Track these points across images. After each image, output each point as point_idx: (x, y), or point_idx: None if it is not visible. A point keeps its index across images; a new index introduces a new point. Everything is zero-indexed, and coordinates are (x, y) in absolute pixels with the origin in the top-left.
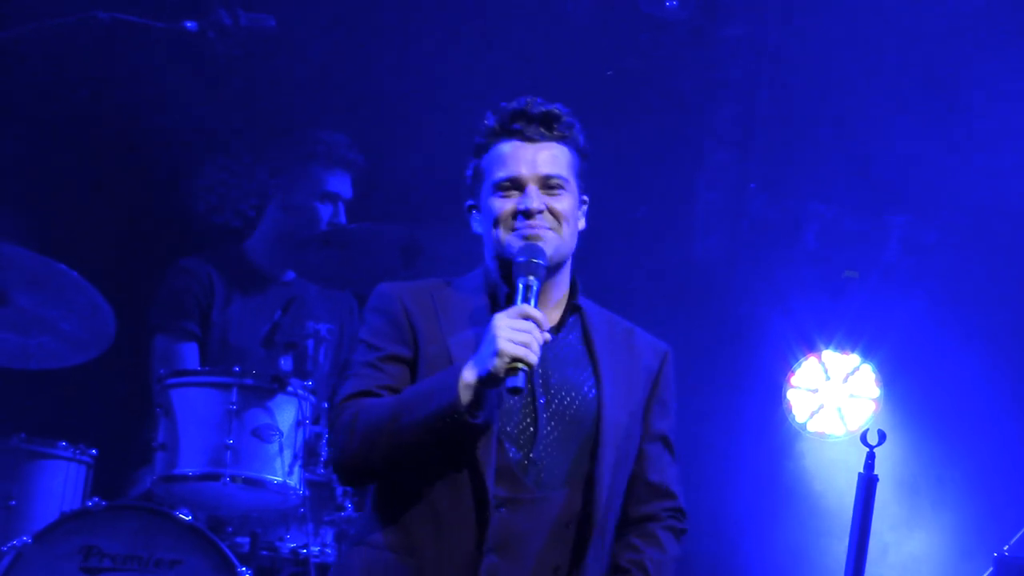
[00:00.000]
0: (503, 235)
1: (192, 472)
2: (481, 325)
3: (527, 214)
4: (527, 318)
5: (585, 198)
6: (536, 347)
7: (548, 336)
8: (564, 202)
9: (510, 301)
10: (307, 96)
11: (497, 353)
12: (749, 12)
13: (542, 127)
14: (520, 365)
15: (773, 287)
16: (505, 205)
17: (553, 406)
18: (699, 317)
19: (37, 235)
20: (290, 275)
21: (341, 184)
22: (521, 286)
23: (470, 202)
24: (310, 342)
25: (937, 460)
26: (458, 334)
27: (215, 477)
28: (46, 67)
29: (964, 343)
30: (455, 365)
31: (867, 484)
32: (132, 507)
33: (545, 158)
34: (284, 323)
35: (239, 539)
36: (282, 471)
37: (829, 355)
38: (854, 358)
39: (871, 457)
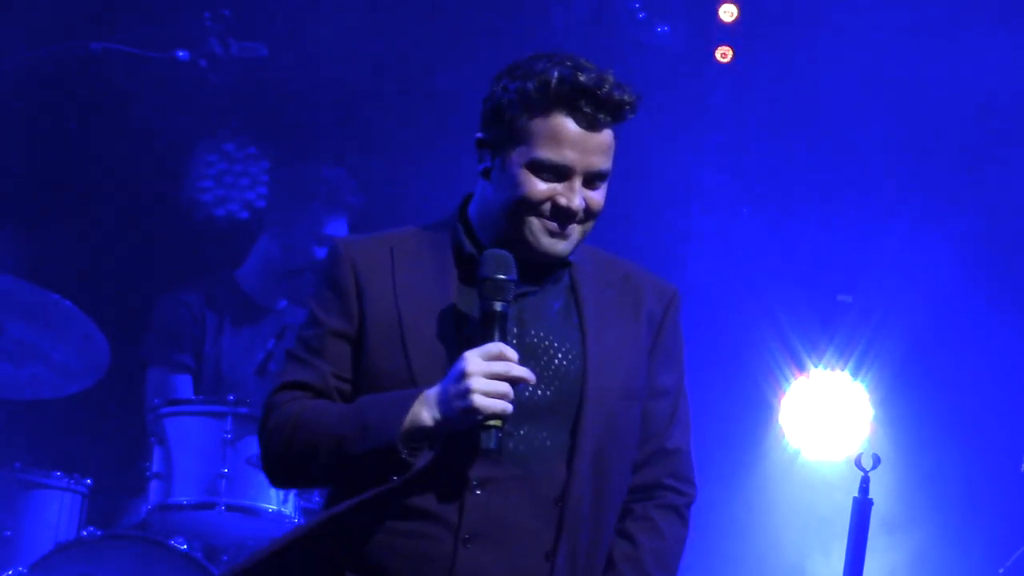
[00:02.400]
0: (525, 217)
1: (187, 501)
2: (440, 290)
3: (566, 213)
4: (503, 359)
5: None
6: (512, 395)
7: (530, 377)
8: (600, 195)
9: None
10: (302, 127)
11: (469, 409)
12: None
13: (609, 116)
14: (496, 423)
15: (765, 309)
16: (540, 190)
17: (527, 371)
18: (692, 342)
19: (30, 264)
20: (283, 303)
21: (339, 227)
22: (491, 317)
23: (484, 136)
24: None
25: (934, 478)
26: (412, 299)
27: (210, 506)
28: (38, 96)
29: (961, 356)
30: (406, 394)
31: (861, 508)
32: (127, 537)
33: (600, 149)
34: (278, 352)
35: None
36: (277, 499)
37: (820, 374)
38: (846, 376)
39: (865, 481)
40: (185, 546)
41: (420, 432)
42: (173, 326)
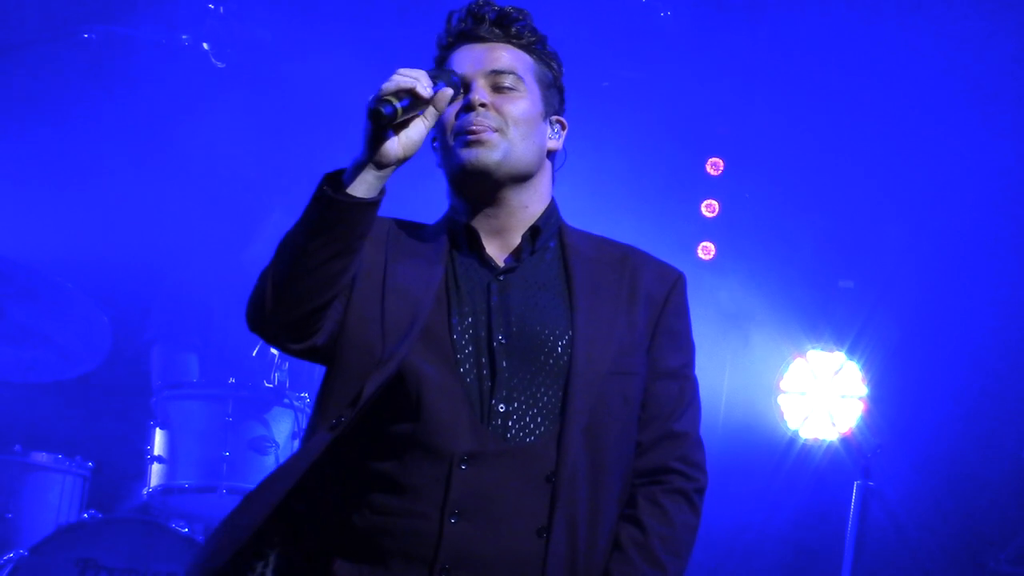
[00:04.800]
0: (451, 142)
1: (188, 484)
2: (431, 258)
3: (468, 107)
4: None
5: (562, 120)
6: (427, 81)
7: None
8: (516, 104)
9: (469, 233)
10: (314, 108)
11: (373, 101)
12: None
13: (495, 27)
14: (392, 99)
15: (763, 290)
16: (452, 112)
17: (514, 345)
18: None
19: (33, 246)
20: None
21: None
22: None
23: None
24: None
25: (932, 463)
26: (401, 260)
27: (211, 489)
28: (44, 79)
29: (948, 343)
30: None
31: (865, 494)
32: (129, 519)
33: (495, 55)
34: None
35: None
36: None
37: (816, 355)
38: (840, 356)
39: (868, 467)
40: (186, 529)
41: (352, 172)
42: (179, 305)
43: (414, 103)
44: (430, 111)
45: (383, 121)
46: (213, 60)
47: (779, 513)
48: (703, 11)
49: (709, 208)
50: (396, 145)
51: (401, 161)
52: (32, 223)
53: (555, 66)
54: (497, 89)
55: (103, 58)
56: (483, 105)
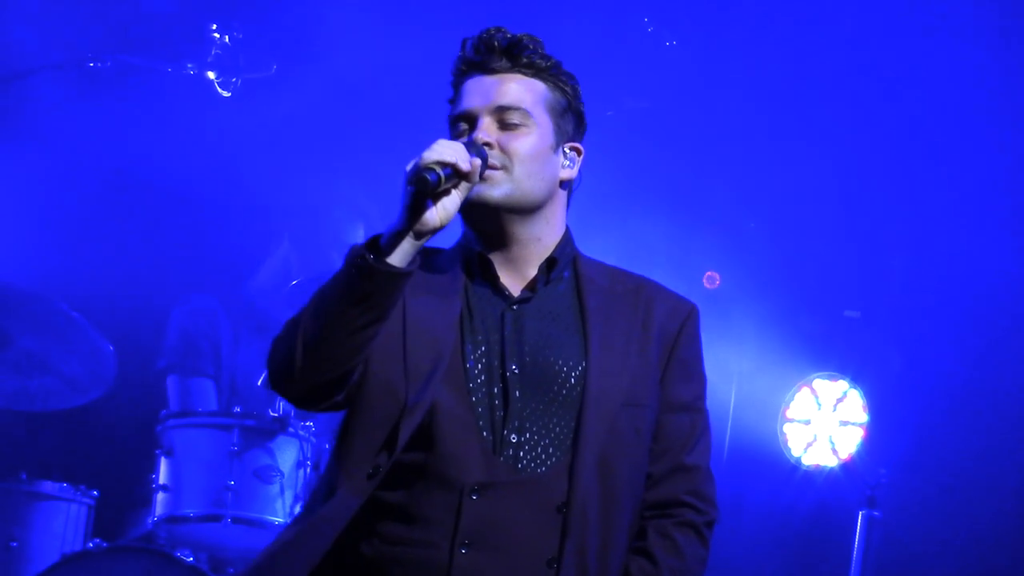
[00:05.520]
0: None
1: (193, 513)
2: (448, 291)
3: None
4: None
5: (578, 147)
6: (467, 155)
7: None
8: (522, 141)
9: (483, 263)
10: (324, 137)
11: (414, 170)
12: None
13: (506, 58)
14: (436, 167)
15: (768, 319)
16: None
17: (527, 376)
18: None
19: (40, 275)
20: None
21: (356, 234)
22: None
23: None
24: None
25: (930, 486)
26: (419, 294)
27: (216, 518)
28: (51, 108)
29: (952, 370)
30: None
31: (869, 524)
32: (133, 548)
33: (503, 89)
34: None
35: None
36: (283, 512)
37: (820, 384)
38: (843, 384)
39: (873, 497)
40: (191, 558)
41: (390, 241)
42: (191, 333)
43: (453, 174)
44: (463, 183)
45: (428, 188)
46: (219, 89)
47: (784, 542)
48: (709, 40)
49: (714, 237)
50: (435, 215)
51: (437, 230)
52: (38, 252)
53: (569, 91)
54: (504, 126)
55: (110, 87)
56: (488, 144)
